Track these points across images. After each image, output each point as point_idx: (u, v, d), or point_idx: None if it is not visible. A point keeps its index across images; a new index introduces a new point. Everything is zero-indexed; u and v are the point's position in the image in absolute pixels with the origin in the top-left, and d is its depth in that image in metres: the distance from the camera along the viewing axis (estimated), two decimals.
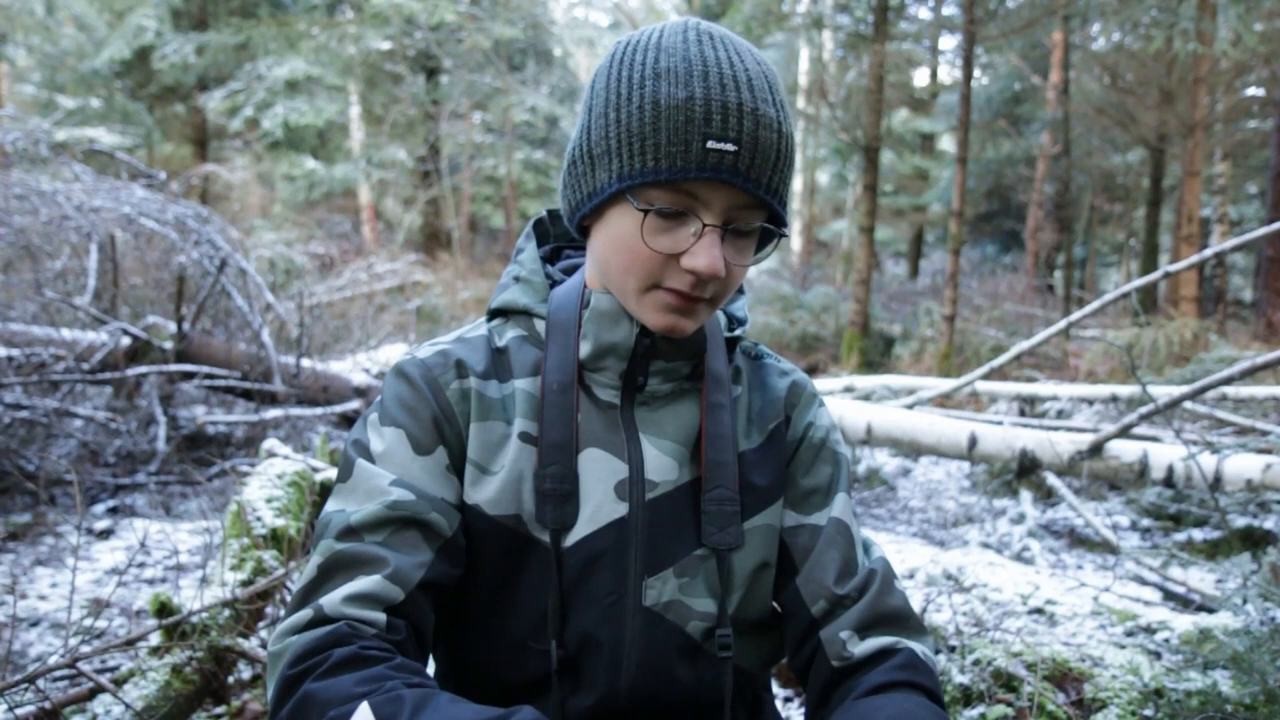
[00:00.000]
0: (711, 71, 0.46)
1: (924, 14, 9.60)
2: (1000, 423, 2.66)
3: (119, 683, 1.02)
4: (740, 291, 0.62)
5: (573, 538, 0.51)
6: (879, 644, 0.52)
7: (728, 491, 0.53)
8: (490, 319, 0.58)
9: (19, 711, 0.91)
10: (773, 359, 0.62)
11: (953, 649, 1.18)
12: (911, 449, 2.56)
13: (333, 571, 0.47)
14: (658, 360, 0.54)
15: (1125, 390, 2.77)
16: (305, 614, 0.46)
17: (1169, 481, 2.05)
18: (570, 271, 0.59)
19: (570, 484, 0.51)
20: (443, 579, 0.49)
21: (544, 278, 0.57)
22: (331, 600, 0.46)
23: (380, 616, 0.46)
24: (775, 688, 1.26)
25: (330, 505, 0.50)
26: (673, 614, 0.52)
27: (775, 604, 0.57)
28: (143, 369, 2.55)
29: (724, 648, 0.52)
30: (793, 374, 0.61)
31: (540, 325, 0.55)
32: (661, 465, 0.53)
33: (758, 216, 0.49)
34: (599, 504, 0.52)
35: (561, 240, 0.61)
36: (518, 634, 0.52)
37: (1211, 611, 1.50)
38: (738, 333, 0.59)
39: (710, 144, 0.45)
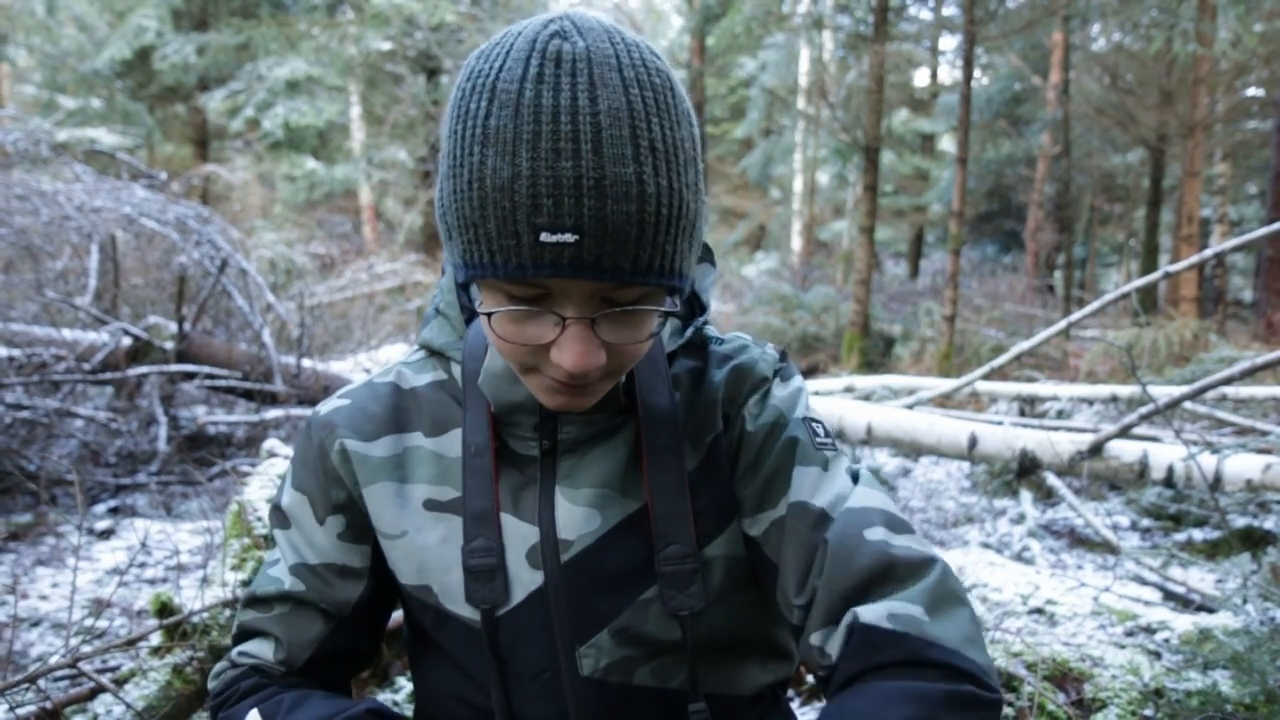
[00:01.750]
0: (544, 131, 0.35)
1: (924, 14, 9.60)
2: (1000, 423, 2.66)
3: (120, 683, 1.02)
4: (710, 263, 0.51)
5: (496, 613, 0.48)
6: (839, 633, 0.41)
7: (683, 548, 0.46)
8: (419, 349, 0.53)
9: (20, 711, 0.91)
10: (716, 344, 0.51)
11: None
12: (911, 449, 2.56)
13: (243, 636, 0.53)
14: (570, 413, 0.46)
15: (1125, 390, 2.77)
16: (224, 664, 0.54)
17: (1169, 481, 2.05)
18: None
19: (496, 556, 0.47)
20: (344, 648, 0.52)
21: (458, 310, 0.50)
22: (240, 658, 0.53)
23: (281, 670, 0.52)
24: None
25: (266, 559, 0.54)
26: (617, 674, 0.47)
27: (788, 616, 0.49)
28: (144, 369, 2.55)
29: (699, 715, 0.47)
30: (735, 358, 0.50)
31: (458, 370, 0.50)
32: (575, 520, 0.47)
33: (638, 293, 0.39)
34: (515, 575, 0.47)
35: None
36: (466, 705, 0.50)
37: (1211, 611, 1.50)
38: (689, 334, 0.50)
39: (543, 237, 0.36)
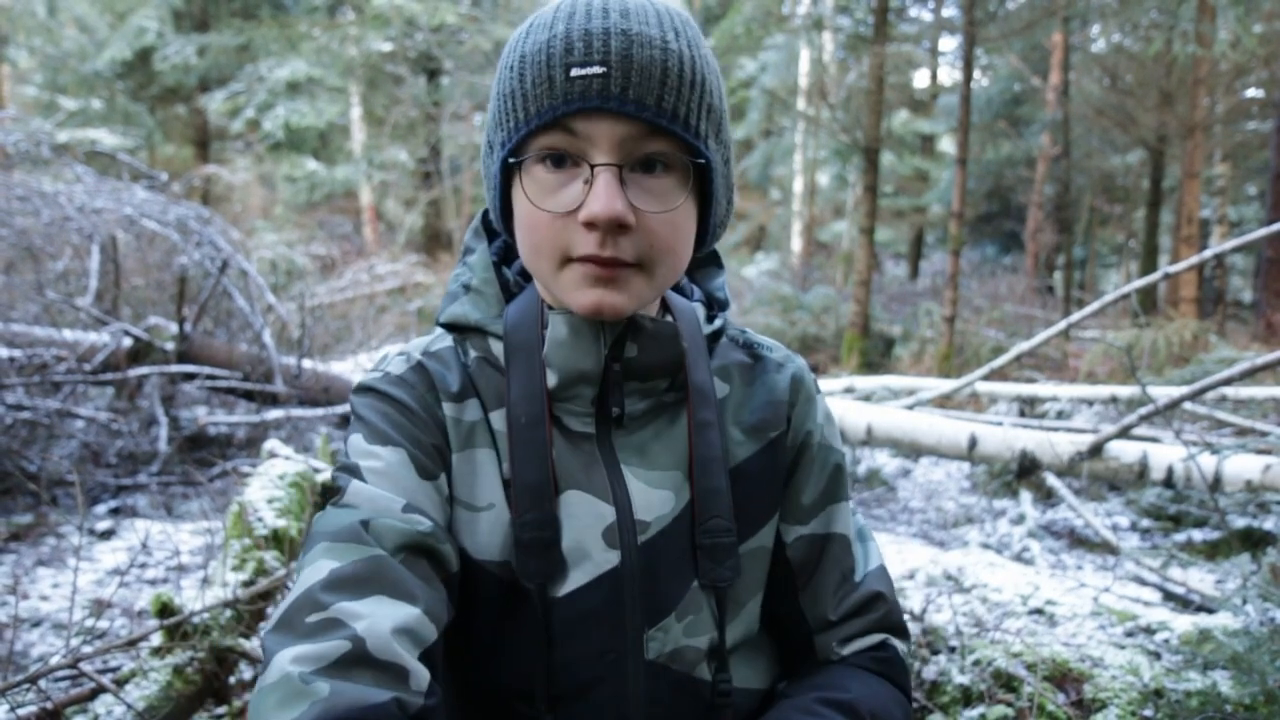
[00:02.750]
0: (579, 8, 0.42)
1: (924, 15, 9.61)
2: (1000, 423, 2.66)
3: (121, 683, 1.02)
4: (718, 266, 0.54)
5: (562, 590, 0.45)
6: (868, 641, 0.51)
7: (723, 521, 0.47)
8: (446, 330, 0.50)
9: (21, 712, 0.91)
10: (766, 349, 0.54)
11: (953, 649, 1.18)
12: (911, 450, 2.57)
13: (363, 581, 0.38)
14: (632, 382, 0.47)
15: (1125, 391, 2.77)
16: (338, 644, 0.35)
17: (1169, 482, 2.05)
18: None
19: (551, 531, 0.45)
20: (449, 623, 0.43)
21: (496, 287, 0.50)
22: (377, 631, 0.36)
23: (424, 673, 0.37)
24: None
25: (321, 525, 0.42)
26: (678, 662, 0.47)
27: (775, 615, 0.53)
28: (144, 370, 2.56)
29: (723, 694, 0.47)
30: (790, 366, 0.53)
31: (497, 346, 0.48)
32: (651, 501, 0.47)
33: (662, 145, 0.42)
34: (587, 554, 0.45)
35: None
36: (509, 690, 0.47)
37: (1211, 612, 1.51)
38: (718, 323, 0.52)
39: (574, 71, 0.40)
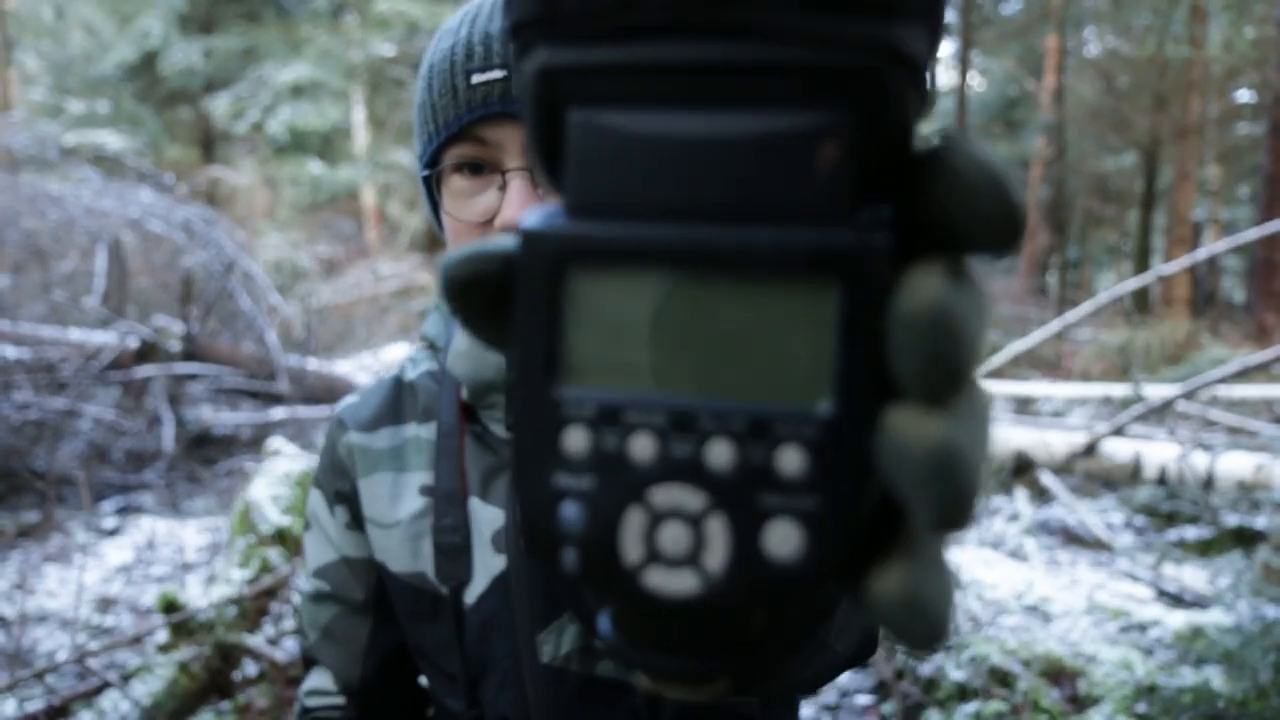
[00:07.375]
0: (483, 10, 0.41)
1: None
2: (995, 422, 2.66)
3: (126, 679, 1.04)
4: None
5: (470, 597, 0.47)
6: None
7: None
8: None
9: (28, 707, 0.92)
10: None
11: (948, 646, 1.19)
12: None
13: (305, 666, 0.53)
14: None
15: (1119, 390, 2.77)
16: (298, 708, 0.52)
17: (1162, 480, 2.07)
18: None
19: (462, 536, 0.47)
20: (394, 644, 0.51)
21: None
22: (308, 699, 0.52)
23: (338, 700, 0.51)
24: None
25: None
26: (577, 663, 0.46)
27: None
28: (150, 369, 2.57)
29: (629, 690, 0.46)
30: None
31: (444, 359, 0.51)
32: None
33: None
34: (483, 559, 0.47)
35: None
36: (440, 696, 0.50)
37: (1204, 609, 1.52)
38: None
39: (474, 78, 0.39)
